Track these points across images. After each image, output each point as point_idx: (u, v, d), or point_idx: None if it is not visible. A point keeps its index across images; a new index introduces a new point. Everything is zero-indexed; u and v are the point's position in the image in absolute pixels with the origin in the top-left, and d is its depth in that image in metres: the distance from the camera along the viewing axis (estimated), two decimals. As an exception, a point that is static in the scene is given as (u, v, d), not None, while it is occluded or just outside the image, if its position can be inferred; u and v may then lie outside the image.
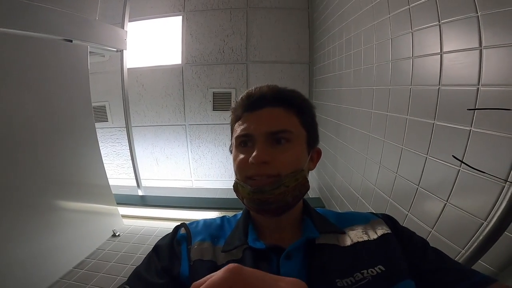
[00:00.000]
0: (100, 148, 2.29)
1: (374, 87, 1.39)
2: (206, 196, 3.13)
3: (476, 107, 0.71)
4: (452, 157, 0.82)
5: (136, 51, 3.09)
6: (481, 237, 0.71)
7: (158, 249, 0.49)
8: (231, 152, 0.54)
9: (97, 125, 2.28)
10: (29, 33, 1.57)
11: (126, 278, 0.46)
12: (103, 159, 2.29)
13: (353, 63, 1.70)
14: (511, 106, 0.61)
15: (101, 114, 3.35)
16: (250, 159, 0.45)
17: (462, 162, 0.75)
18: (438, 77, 0.87)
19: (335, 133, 2.05)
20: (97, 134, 2.24)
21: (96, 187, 2.23)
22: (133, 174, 2.92)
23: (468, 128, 0.76)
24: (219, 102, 3.21)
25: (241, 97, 0.52)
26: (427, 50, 0.94)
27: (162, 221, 2.59)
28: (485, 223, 0.72)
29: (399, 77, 1.14)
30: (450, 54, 0.83)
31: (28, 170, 1.62)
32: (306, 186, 0.48)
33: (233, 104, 0.54)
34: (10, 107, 1.51)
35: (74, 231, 1.94)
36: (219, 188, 3.46)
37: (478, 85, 0.72)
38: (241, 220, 0.53)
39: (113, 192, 2.41)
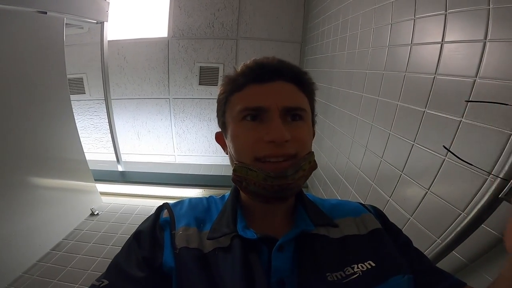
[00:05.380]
0: (77, 121, 2.17)
1: (367, 71, 1.36)
2: (189, 172, 3.10)
3: (474, 99, 0.70)
4: (438, 145, 0.83)
5: (118, 23, 2.88)
6: (458, 228, 0.73)
7: (139, 235, 0.45)
8: (221, 128, 0.49)
9: (73, 97, 2.14)
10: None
11: (107, 259, 0.42)
12: (79, 132, 2.17)
13: (348, 46, 1.66)
14: (507, 100, 0.60)
15: (77, 87, 3.14)
16: (267, 137, 0.39)
17: (452, 153, 0.75)
18: (435, 66, 0.86)
19: (323, 113, 2.05)
20: (74, 106, 2.11)
21: (72, 162, 2.13)
22: (112, 148, 2.80)
23: (458, 119, 0.76)
24: (206, 76, 3.11)
25: (247, 66, 0.45)
26: (428, 39, 0.92)
27: (144, 199, 2.54)
28: (463, 214, 0.74)
29: (395, 63, 1.12)
30: (451, 44, 0.81)
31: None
32: (314, 169, 0.45)
33: (228, 73, 0.47)
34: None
35: (50, 211, 1.86)
36: (202, 164, 3.43)
37: (476, 77, 0.71)
38: (229, 203, 0.49)
39: (90, 168, 2.31)
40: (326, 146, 1.98)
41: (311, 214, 0.47)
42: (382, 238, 0.45)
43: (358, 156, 1.40)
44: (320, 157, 2.09)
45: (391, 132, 1.11)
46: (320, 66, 2.29)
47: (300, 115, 0.43)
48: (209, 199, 0.53)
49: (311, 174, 0.45)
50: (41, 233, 1.77)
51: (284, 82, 0.44)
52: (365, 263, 0.40)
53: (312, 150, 0.45)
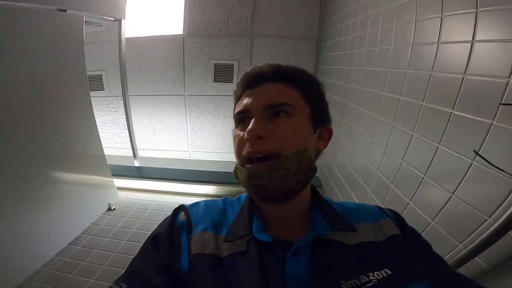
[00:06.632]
0: (96, 117, 2.22)
1: (388, 70, 1.32)
2: (203, 168, 3.13)
3: (508, 101, 0.66)
4: (465, 148, 0.80)
5: (135, 20, 2.93)
6: (484, 234, 0.70)
7: (156, 239, 0.45)
8: None
9: (92, 93, 2.20)
10: (20, 4, 1.45)
11: (122, 255, 0.42)
12: (98, 128, 2.23)
13: (368, 43, 1.62)
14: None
15: (97, 83, 3.23)
16: (245, 135, 0.41)
17: (483, 158, 0.72)
18: (465, 66, 0.82)
19: (340, 112, 2.01)
20: (93, 103, 2.17)
21: (91, 157, 2.19)
22: (129, 144, 2.88)
23: (489, 121, 0.73)
24: (221, 73, 3.12)
25: (241, 78, 0.49)
26: (457, 37, 0.88)
27: (159, 194, 2.59)
28: (490, 220, 0.71)
29: (419, 62, 1.08)
30: (483, 44, 0.77)
31: (21, 140, 1.55)
32: (311, 169, 0.43)
33: (235, 87, 0.50)
34: (2, 77, 1.41)
35: (69, 205, 1.90)
36: (216, 161, 3.46)
37: (509, 78, 0.67)
38: (245, 206, 0.49)
39: (108, 163, 2.37)
40: (342, 145, 1.95)
41: (328, 217, 0.46)
42: (400, 244, 0.43)
43: (377, 156, 1.37)
44: (336, 156, 2.06)
45: (414, 133, 1.07)
46: (337, 64, 2.25)
47: (285, 110, 0.43)
48: (224, 200, 0.53)
49: (309, 173, 0.43)
50: (60, 227, 1.81)
51: (272, 83, 0.45)
52: (381, 271, 0.39)
53: (307, 149, 0.43)
